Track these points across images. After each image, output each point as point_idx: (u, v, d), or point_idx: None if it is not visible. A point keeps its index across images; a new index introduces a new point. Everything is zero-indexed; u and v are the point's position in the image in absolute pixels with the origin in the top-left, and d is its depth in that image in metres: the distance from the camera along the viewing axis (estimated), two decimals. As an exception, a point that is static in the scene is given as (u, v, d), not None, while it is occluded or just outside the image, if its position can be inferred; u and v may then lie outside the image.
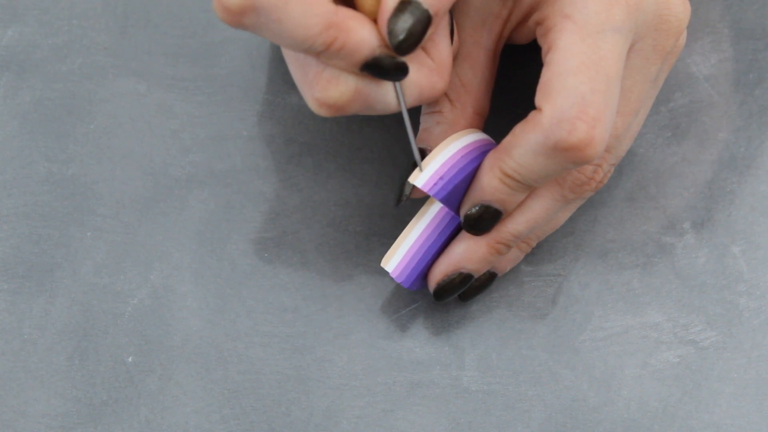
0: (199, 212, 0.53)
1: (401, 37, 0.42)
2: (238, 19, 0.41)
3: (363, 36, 0.42)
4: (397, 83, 0.44)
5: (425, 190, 0.46)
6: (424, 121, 0.48)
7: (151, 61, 0.55)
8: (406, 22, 0.42)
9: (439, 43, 0.45)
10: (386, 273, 0.51)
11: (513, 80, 0.54)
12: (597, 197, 0.53)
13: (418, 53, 0.44)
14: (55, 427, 0.50)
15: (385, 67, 0.43)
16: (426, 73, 0.44)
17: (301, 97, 0.54)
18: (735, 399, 0.50)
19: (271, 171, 0.53)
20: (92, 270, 0.52)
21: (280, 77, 0.54)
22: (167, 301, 0.51)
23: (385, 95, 0.44)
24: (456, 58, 0.48)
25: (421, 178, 0.46)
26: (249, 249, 0.52)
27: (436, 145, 0.47)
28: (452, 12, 0.47)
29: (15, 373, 0.50)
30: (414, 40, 0.42)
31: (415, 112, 0.53)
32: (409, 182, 0.47)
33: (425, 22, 0.42)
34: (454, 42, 0.46)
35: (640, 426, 0.49)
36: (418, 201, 0.52)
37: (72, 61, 0.55)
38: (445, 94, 0.48)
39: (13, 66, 0.55)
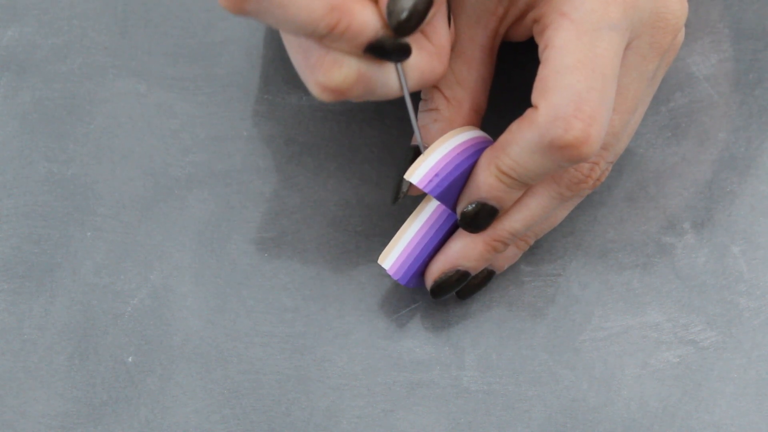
0: (199, 212, 0.53)
1: (402, 17, 0.42)
2: (240, 6, 0.41)
3: (366, 18, 0.42)
4: (399, 66, 0.44)
5: (420, 186, 0.46)
6: (421, 118, 0.48)
7: (151, 61, 0.55)
8: (406, 3, 0.42)
9: (438, 27, 0.45)
10: (387, 273, 0.51)
11: (511, 78, 0.54)
12: (597, 197, 0.53)
13: (418, 37, 0.44)
14: (55, 427, 0.50)
15: (388, 48, 0.43)
16: (426, 56, 0.45)
17: (301, 97, 0.54)
18: (735, 399, 0.50)
19: (271, 171, 0.53)
20: (92, 270, 0.52)
21: (280, 77, 0.54)
22: (167, 301, 0.51)
23: (387, 78, 0.44)
24: (451, 54, 0.48)
25: (416, 175, 0.46)
26: (249, 249, 0.52)
27: (433, 142, 0.47)
28: (449, 2, 0.47)
29: (15, 373, 0.50)
30: (415, 21, 0.42)
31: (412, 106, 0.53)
32: (405, 179, 0.47)
33: (426, 2, 0.42)
34: (451, 30, 0.46)
35: (640, 426, 0.49)
36: (418, 199, 0.52)
37: (72, 61, 0.55)
38: (442, 92, 0.48)
39: (13, 66, 0.55)
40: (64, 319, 0.51)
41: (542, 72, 0.44)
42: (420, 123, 0.48)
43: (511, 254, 0.50)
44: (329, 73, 0.43)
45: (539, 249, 0.52)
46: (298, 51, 0.44)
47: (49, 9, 0.56)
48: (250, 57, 0.55)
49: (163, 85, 0.54)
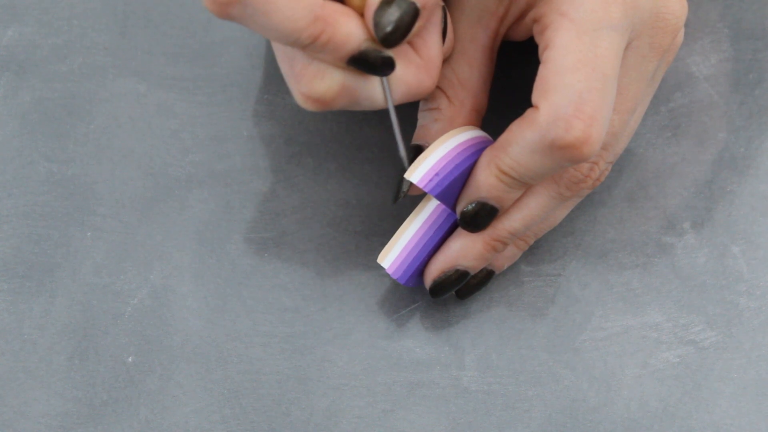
0: (199, 212, 0.53)
1: (388, 29, 0.42)
2: (225, 10, 0.41)
3: (349, 29, 0.42)
4: (384, 79, 0.44)
5: (420, 185, 0.46)
6: (422, 117, 0.48)
7: (151, 61, 0.55)
8: (392, 15, 0.42)
9: (428, 39, 0.45)
10: (386, 273, 0.51)
11: (511, 78, 0.54)
12: (597, 197, 0.53)
13: (406, 50, 0.44)
14: (55, 427, 0.50)
15: (372, 61, 0.43)
16: (413, 70, 0.45)
17: (301, 97, 0.54)
18: (735, 399, 0.50)
19: (271, 171, 0.53)
20: (92, 270, 0.52)
21: (280, 77, 0.54)
22: (167, 301, 0.51)
23: (372, 91, 0.44)
24: (452, 54, 0.48)
25: (416, 174, 0.46)
26: (249, 249, 0.52)
27: (434, 141, 0.47)
28: (447, 8, 0.47)
29: (15, 373, 0.50)
30: (401, 33, 0.42)
31: (409, 109, 0.53)
32: (406, 179, 0.47)
33: (412, 14, 0.42)
34: (449, 39, 0.46)
35: (640, 426, 0.49)
36: (418, 198, 0.52)
37: (72, 61, 0.55)
38: (443, 91, 0.48)
39: (13, 66, 0.55)
40: (64, 319, 0.51)
41: (543, 72, 0.44)
42: (420, 122, 0.48)
43: (511, 254, 0.50)
44: (312, 84, 0.43)
45: (539, 249, 0.52)
46: (284, 59, 0.44)
47: (49, 9, 0.56)
48: (250, 57, 0.55)
49: (163, 85, 0.54)
